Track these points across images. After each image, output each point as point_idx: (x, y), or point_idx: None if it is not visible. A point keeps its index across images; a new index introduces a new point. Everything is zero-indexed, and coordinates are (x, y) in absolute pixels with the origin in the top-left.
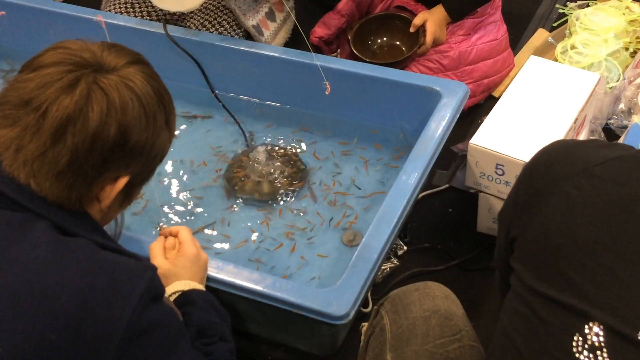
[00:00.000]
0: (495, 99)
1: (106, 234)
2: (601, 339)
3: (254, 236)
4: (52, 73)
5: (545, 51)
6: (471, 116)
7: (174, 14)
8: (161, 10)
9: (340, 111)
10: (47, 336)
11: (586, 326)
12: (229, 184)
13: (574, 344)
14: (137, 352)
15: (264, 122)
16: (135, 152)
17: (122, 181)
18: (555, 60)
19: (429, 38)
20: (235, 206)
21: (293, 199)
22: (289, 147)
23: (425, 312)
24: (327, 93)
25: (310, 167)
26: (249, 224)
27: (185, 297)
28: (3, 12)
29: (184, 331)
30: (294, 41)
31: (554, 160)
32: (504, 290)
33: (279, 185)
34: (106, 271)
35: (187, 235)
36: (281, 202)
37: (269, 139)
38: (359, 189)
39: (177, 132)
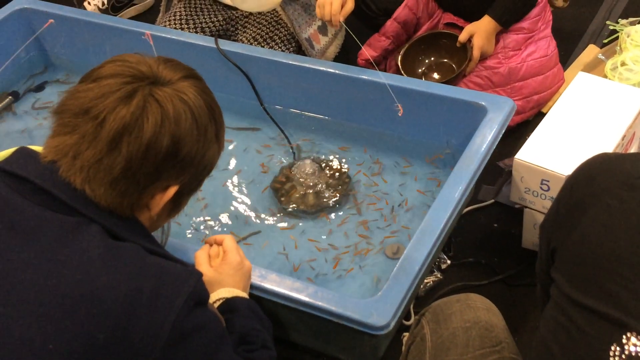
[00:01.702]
0: (544, 116)
1: (154, 240)
2: (639, 349)
3: (298, 246)
4: (110, 84)
5: (594, 67)
6: (519, 132)
7: (227, 29)
8: (214, 25)
9: (387, 125)
10: (95, 336)
11: (624, 336)
12: (275, 195)
13: (611, 353)
14: (181, 355)
15: (311, 135)
16: (186, 162)
17: (172, 190)
18: (605, 76)
19: (476, 52)
20: (280, 216)
21: (338, 211)
22: (334, 160)
23: (466, 323)
24: (400, 115)
25: (355, 180)
26: (293, 235)
27: (229, 304)
28: (52, 20)
29: (226, 337)
30: (344, 57)
31: (596, 173)
32: (545, 301)
33: (325, 197)
34: (153, 275)
35: (231, 243)
36: (326, 214)
37: (316, 152)
38: (404, 202)
39: (225, 144)
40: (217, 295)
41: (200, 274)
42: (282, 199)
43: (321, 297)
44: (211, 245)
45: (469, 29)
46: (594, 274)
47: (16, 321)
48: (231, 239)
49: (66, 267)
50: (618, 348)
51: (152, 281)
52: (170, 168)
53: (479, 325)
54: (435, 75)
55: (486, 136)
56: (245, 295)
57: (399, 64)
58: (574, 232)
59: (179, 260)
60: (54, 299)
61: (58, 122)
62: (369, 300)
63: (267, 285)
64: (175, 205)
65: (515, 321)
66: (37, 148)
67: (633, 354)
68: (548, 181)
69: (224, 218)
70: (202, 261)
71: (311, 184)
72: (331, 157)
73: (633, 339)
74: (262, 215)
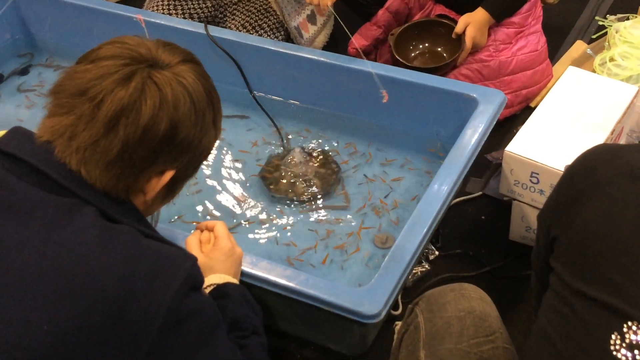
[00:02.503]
0: (532, 110)
1: (149, 224)
2: None
3: (287, 235)
4: (109, 65)
5: (583, 63)
6: (507, 126)
7: (215, 16)
8: (202, 11)
9: (376, 115)
10: (90, 318)
11: (625, 325)
12: (264, 183)
13: (612, 342)
14: (176, 339)
15: (300, 124)
16: (183, 147)
17: (168, 175)
18: (594, 71)
19: (468, 42)
20: (269, 205)
21: (327, 200)
22: (324, 149)
23: (460, 312)
24: (384, 101)
25: (344, 170)
26: (282, 223)
27: (220, 290)
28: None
29: (221, 322)
30: (332, 46)
31: (597, 163)
32: (539, 290)
33: (314, 186)
34: (149, 258)
35: (222, 229)
36: (315, 203)
37: (304, 141)
38: (393, 192)
39: None
40: (208, 281)
41: (195, 258)
42: (271, 187)
43: (312, 285)
44: (202, 231)
45: (465, 19)
46: (596, 264)
47: (11, 301)
48: (222, 225)
49: (62, 248)
50: (619, 337)
51: (148, 264)
52: (167, 152)
53: (473, 314)
54: (428, 62)
55: (477, 128)
56: (236, 281)
57: (391, 44)
58: (575, 221)
59: (174, 245)
60: (50, 280)
61: (54, 102)
62: (361, 289)
63: (258, 272)
64: (170, 190)
65: (503, 313)
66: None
67: (634, 342)
68: (538, 174)
69: (212, 206)
70: (193, 247)
71: (300, 172)
72: (320, 147)
73: (634, 328)
74: (251, 204)
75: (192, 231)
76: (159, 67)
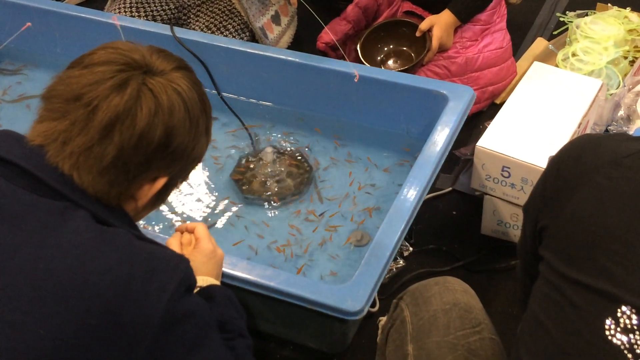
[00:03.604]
0: (497, 106)
1: (139, 229)
2: (634, 321)
3: (260, 236)
4: (103, 71)
5: (545, 59)
6: (474, 122)
7: (179, 17)
8: (165, 13)
9: (347, 114)
10: (87, 321)
11: (618, 310)
12: (236, 185)
13: (607, 327)
14: (172, 341)
15: (269, 124)
16: (176, 154)
17: (161, 182)
18: (557, 67)
19: (435, 42)
20: (242, 206)
21: (300, 199)
22: (295, 149)
23: (445, 305)
24: (355, 80)
25: (316, 169)
26: (255, 224)
27: (205, 293)
28: (29, 24)
29: (214, 323)
30: (296, 47)
31: (583, 153)
32: (525, 280)
33: (286, 186)
34: (144, 260)
35: (203, 231)
36: (288, 203)
37: (275, 141)
38: (366, 190)
39: None
40: None
41: (188, 260)
42: (244, 187)
43: (294, 284)
44: (182, 232)
45: (431, 19)
46: (587, 251)
47: (6, 306)
48: (203, 227)
49: (56, 251)
50: (613, 322)
51: (143, 266)
52: (161, 159)
53: (459, 307)
54: (394, 63)
55: (448, 125)
56: (218, 283)
57: (359, 50)
58: (564, 210)
59: (165, 247)
60: (45, 284)
61: (46, 107)
62: (342, 285)
63: (239, 273)
64: (160, 196)
65: None
66: None
67: (628, 326)
68: (509, 168)
69: (184, 209)
70: (174, 249)
71: (272, 172)
72: (291, 146)
73: (628, 312)
74: (224, 205)
75: (172, 233)
76: (153, 74)
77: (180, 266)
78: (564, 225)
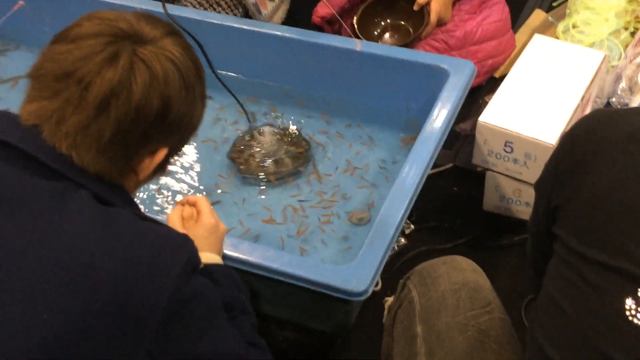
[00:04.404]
0: (496, 80)
1: (139, 207)
2: None
3: (260, 216)
4: (92, 45)
5: (544, 31)
6: (473, 96)
7: None
8: None
9: (345, 91)
10: (92, 305)
11: (639, 289)
12: (233, 164)
13: (627, 307)
14: (180, 323)
15: (266, 102)
16: (175, 124)
17: (162, 153)
18: (557, 39)
19: (433, 16)
20: (240, 185)
21: (298, 179)
22: (293, 128)
23: (454, 285)
24: (358, 50)
25: (315, 147)
26: (255, 203)
27: (205, 272)
28: (22, 3)
29: (220, 303)
30: (290, 23)
31: (597, 128)
32: (536, 258)
33: (284, 165)
34: (150, 241)
35: (205, 205)
36: (286, 182)
37: (272, 119)
38: (366, 168)
39: None
40: None
41: (192, 240)
42: (241, 167)
43: (297, 265)
44: (183, 206)
45: None
46: (605, 229)
47: (8, 291)
48: (205, 201)
49: (59, 234)
50: (633, 301)
51: (149, 248)
52: (160, 131)
53: (468, 286)
54: (391, 38)
55: (449, 100)
56: (219, 259)
57: (355, 25)
58: (579, 188)
59: (169, 227)
60: (48, 268)
61: (36, 86)
62: (346, 266)
63: (240, 255)
64: (161, 167)
65: None
66: None
67: None
68: (512, 143)
69: (181, 189)
70: (176, 223)
71: (270, 151)
72: (289, 125)
73: None
74: (221, 185)
75: (172, 207)
76: (144, 43)
77: (186, 246)
78: (580, 204)
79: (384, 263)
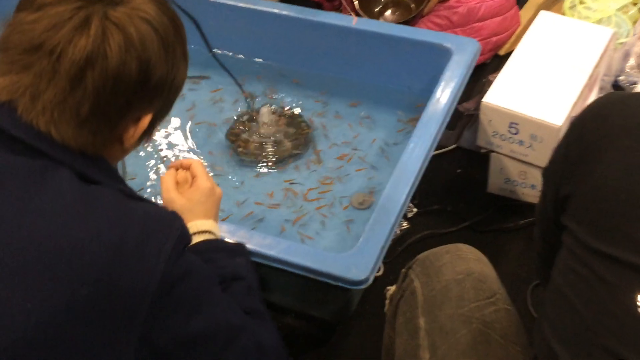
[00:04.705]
0: (501, 58)
1: (123, 181)
2: None
3: (259, 200)
4: (60, 12)
5: (550, 7)
6: (476, 75)
7: None
8: None
9: (344, 70)
10: (78, 291)
11: None
12: (231, 146)
13: (638, 302)
14: (171, 303)
15: (264, 82)
16: (157, 88)
17: (146, 120)
18: (563, 15)
19: None
20: (238, 168)
21: (298, 161)
22: (292, 108)
23: (458, 275)
24: (353, 23)
25: (314, 128)
26: (254, 187)
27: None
28: None
29: (214, 277)
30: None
31: (609, 113)
32: (545, 248)
33: (284, 147)
34: (136, 220)
35: (200, 168)
36: (286, 164)
37: (271, 100)
38: (367, 150)
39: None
40: (195, 228)
41: (181, 217)
42: (239, 149)
43: (295, 252)
44: (177, 169)
45: None
46: (615, 221)
47: None
48: (200, 164)
49: (40, 216)
50: None
51: (136, 227)
52: (142, 97)
53: (472, 276)
54: (392, 14)
55: (453, 80)
56: (216, 225)
57: (355, 1)
58: (590, 177)
59: (156, 205)
60: (29, 253)
61: (5, 59)
62: (346, 254)
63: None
64: (147, 132)
65: None
66: None
67: None
68: (517, 124)
69: None
70: (170, 187)
71: (269, 133)
72: (288, 105)
73: None
74: (219, 168)
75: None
76: (115, 4)
77: (175, 224)
78: (590, 193)
79: (385, 250)
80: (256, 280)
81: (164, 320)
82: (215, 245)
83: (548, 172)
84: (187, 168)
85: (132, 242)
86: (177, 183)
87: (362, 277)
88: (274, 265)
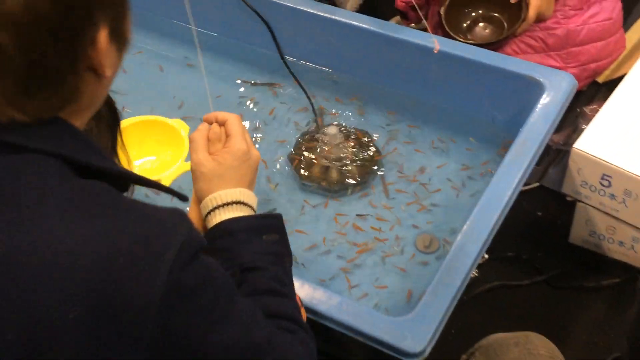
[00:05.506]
0: (599, 86)
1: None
2: None
3: (315, 231)
4: None
5: None
6: (570, 104)
7: None
8: None
9: (423, 92)
10: (65, 314)
11: None
12: (292, 167)
13: None
14: (182, 317)
15: (336, 96)
16: (90, 4)
17: (102, 36)
18: None
19: (531, 12)
20: (296, 192)
21: (363, 190)
22: (362, 129)
23: None
24: (435, 52)
25: (384, 154)
26: (311, 216)
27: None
28: None
29: (232, 284)
30: (371, 3)
31: None
32: None
33: (349, 173)
34: (133, 226)
35: (237, 126)
36: (349, 194)
37: (340, 117)
38: (440, 186)
39: (238, 100)
40: (216, 200)
41: (189, 219)
42: (302, 172)
43: (346, 311)
44: (211, 124)
45: None
46: None
47: None
48: (237, 120)
49: (18, 228)
50: None
51: (132, 234)
52: (76, 23)
53: None
54: (483, 30)
55: (545, 119)
56: (252, 195)
57: (442, 14)
58: None
59: (155, 206)
60: (6, 273)
61: None
62: (403, 319)
63: None
64: (118, 40)
65: (559, 329)
66: None
67: None
68: (610, 177)
69: None
70: (199, 146)
71: (335, 156)
72: (358, 125)
73: None
74: (277, 190)
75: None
76: None
77: (179, 228)
78: None
79: (447, 316)
80: (290, 266)
81: (174, 336)
82: (246, 224)
83: None
84: (222, 124)
85: (127, 253)
86: (209, 140)
87: (417, 349)
88: (321, 321)
